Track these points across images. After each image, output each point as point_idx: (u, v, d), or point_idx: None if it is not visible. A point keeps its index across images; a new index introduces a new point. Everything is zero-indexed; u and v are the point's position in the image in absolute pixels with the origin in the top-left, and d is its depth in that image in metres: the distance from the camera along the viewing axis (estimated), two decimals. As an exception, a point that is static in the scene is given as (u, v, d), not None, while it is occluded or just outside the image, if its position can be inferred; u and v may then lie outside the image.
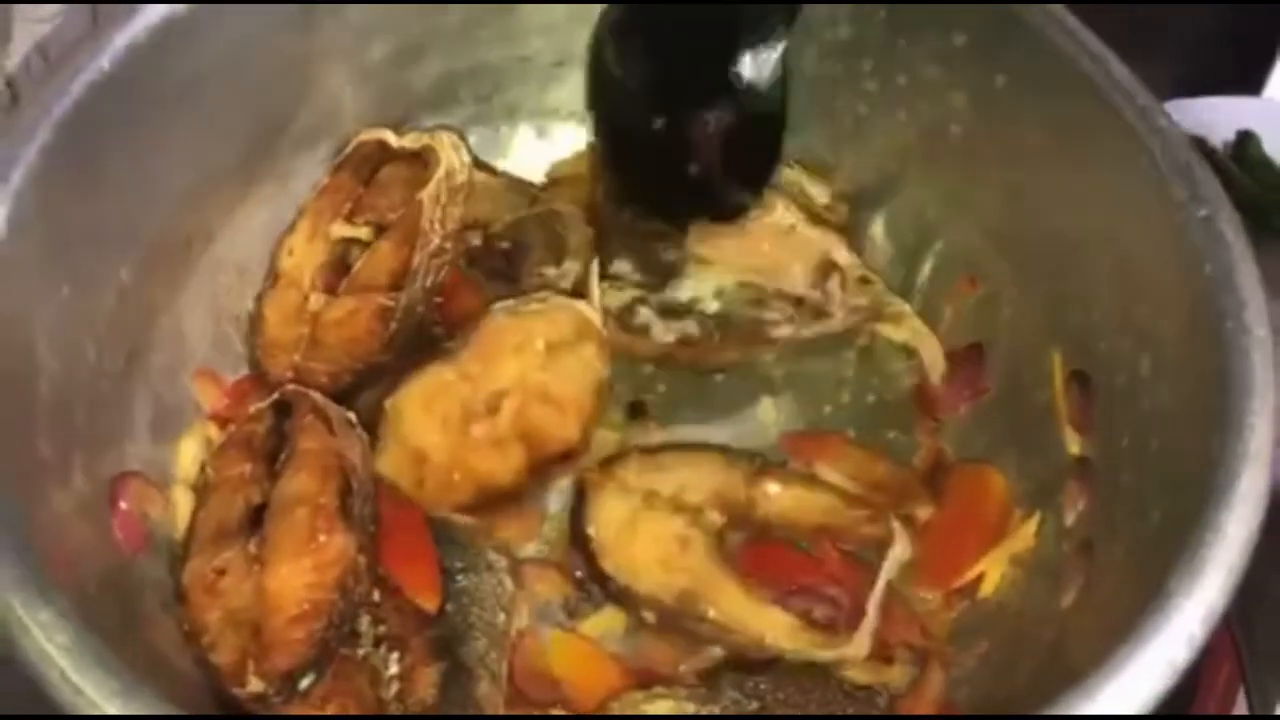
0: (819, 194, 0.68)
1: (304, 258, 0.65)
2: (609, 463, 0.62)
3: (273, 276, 0.65)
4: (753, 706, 0.56)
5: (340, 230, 0.65)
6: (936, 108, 0.64)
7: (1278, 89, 0.90)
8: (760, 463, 0.62)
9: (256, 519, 0.56)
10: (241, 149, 0.63)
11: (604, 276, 0.65)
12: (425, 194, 0.62)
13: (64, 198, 0.53)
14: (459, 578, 0.57)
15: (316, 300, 0.64)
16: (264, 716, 0.52)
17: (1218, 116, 0.83)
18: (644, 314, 0.66)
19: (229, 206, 0.64)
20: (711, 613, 0.57)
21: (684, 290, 0.66)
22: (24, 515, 0.46)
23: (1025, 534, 0.59)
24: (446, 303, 0.65)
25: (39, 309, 0.52)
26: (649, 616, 0.58)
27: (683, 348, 0.66)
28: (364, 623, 0.55)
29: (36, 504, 0.48)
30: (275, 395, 0.60)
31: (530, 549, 0.62)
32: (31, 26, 0.76)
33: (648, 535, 0.59)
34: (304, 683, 0.52)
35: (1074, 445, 0.58)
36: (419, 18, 0.66)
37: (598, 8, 0.68)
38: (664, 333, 0.65)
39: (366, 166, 0.66)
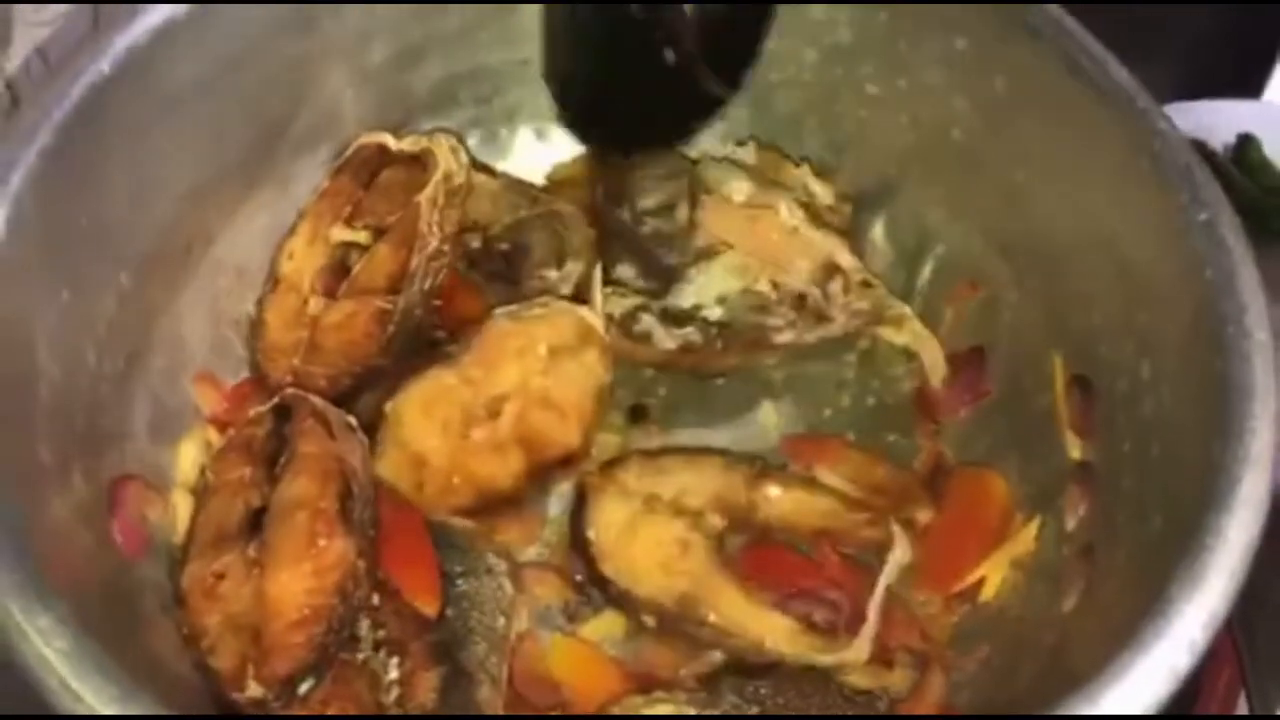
0: (823, 194, 0.67)
1: (304, 261, 0.65)
2: (609, 466, 0.61)
3: (273, 280, 0.65)
4: (753, 710, 0.56)
5: (339, 234, 0.65)
6: (937, 111, 0.64)
7: (1278, 92, 0.90)
8: (760, 466, 0.62)
9: (256, 523, 0.55)
10: (241, 152, 0.63)
11: (607, 282, 0.65)
12: (423, 197, 0.62)
13: (64, 201, 0.53)
14: (459, 582, 0.57)
15: (316, 304, 0.64)
16: (264, 718, 0.52)
17: (1218, 119, 0.82)
18: (646, 321, 0.66)
19: (229, 209, 0.64)
20: (711, 616, 0.57)
21: (686, 297, 0.66)
22: (23, 519, 0.46)
23: (1026, 537, 0.59)
24: (446, 306, 0.65)
25: (39, 312, 0.52)
26: (649, 620, 0.58)
27: (685, 354, 0.66)
28: (364, 627, 0.55)
29: (35, 508, 0.48)
30: (275, 399, 0.60)
31: (530, 553, 0.62)
32: (32, 29, 0.76)
33: (648, 539, 0.59)
34: (303, 687, 0.52)
35: (1075, 450, 0.58)
36: (419, 20, 0.66)
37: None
38: (666, 339, 0.65)
39: (366, 170, 0.66)
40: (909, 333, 0.67)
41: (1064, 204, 0.59)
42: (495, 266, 0.67)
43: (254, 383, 0.65)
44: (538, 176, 0.73)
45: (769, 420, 0.67)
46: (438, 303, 0.65)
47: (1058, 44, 0.58)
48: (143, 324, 0.59)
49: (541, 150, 0.73)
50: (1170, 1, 0.88)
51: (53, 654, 0.42)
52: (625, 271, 0.67)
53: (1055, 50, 0.58)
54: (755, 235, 0.66)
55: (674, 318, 0.66)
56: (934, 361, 0.67)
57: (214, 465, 0.59)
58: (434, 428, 0.60)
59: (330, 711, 0.53)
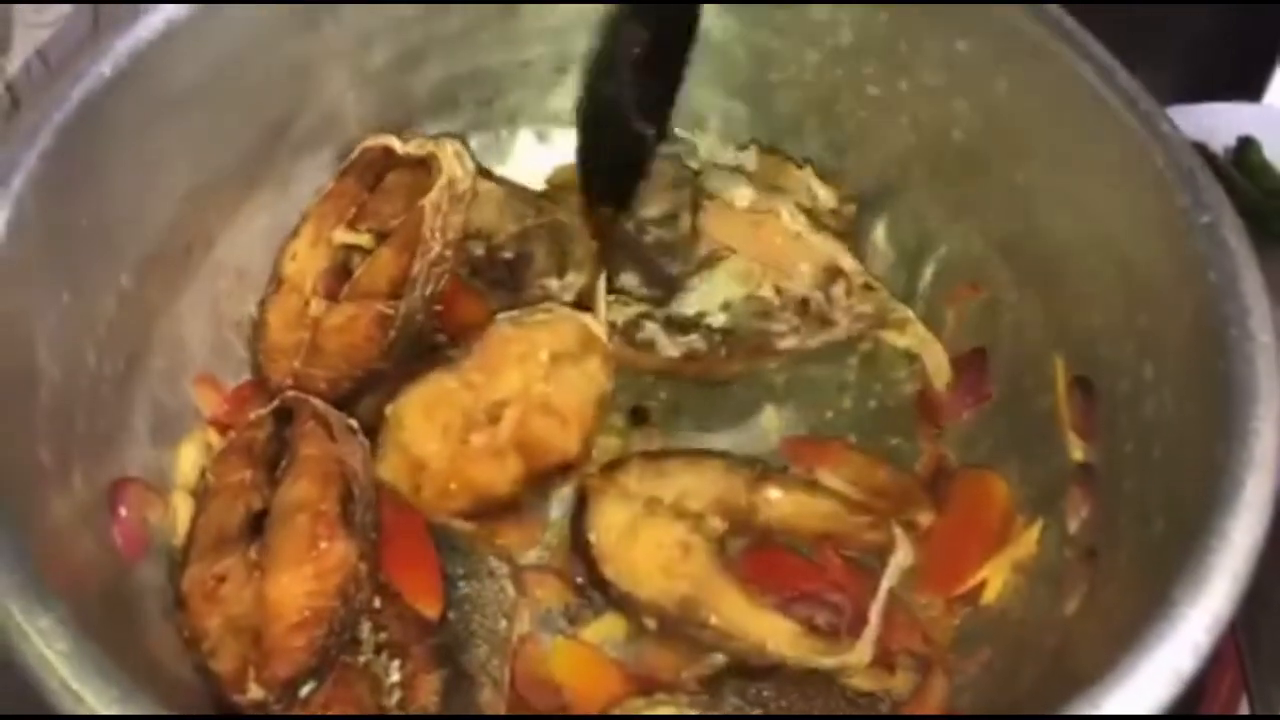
0: (826, 196, 0.67)
1: (306, 263, 0.65)
2: (610, 469, 0.61)
3: (276, 281, 0.65)
4: (755, 712, 0.56)
5: (343, 236, 0.65)
6: (938, 113, 0.64)
7: (1278, 95, 0.90)
8: (761, 469, 0.62)
9: (257, 525, 0.55)
10: (242, 154, 0.63)
11: (610, 291, 0.65)
12: (426, 202, 0.62)
13: (64, 203, 0.53)
14: (460, 584, 0.57)
15: (317, 306, 0.64)
16: (264, 718, 0.52)
17: (1218, 122, 0.82)
18: (650, 328, 0.65)
19: (229, 211, 0.64)
20: (713, 619, 0.57)
21: (690, 304, 0.66)
22: (23, 521, 0.46)
23: (1028, 540, 0.59)
24: (448, 311, 0.65)
25: (39, 313, 0.52)
26: (650, 623, 0.58)
27: (689, 362, 0.65)
28: (365, 630, 0.55)
29: (36, 509, 0.48)
30: (276, 401, 0.59)
31: (531, 555, 0.62)
32: (32, 31, 0.75)
33: (649, 541, 0.59)
34: (304, 690, 0.52)
35: (1077, 451, 0.58)
36: (420, 22, 0.66)
37: (598, 12, 0.68)
38: (670, 347, 0.65)
39: (371, 172, 0.66)
40: (912, 336, 0.67)
41: (1066, 206, 0.59)
42: (498, 274, 0.67)
43: (255, 385, 0.64)
44: (538, 179, 0.73)
45: (770, 423, 0.67)
46: (439, 308, 0.65)
47: (1059, 46, 0.58)
48: (143, 325, 0.59)
49: (542, 152, 0.73)
50: (1171, 2, 0.88)
51: (53, 655, 0.42)
52: (629, 280, 0.67)
53: (1057, 52, 0.58)
54: (758, 241, 0.66)
55: (678, 325, 0.65)
56: (937, 365, 0.67)
57: (215, 467, 0.59)
58: (434, 431, 0.60)
59: (331, 713, 0.53)
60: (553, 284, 0.66)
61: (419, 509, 0.59)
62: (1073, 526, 0.57)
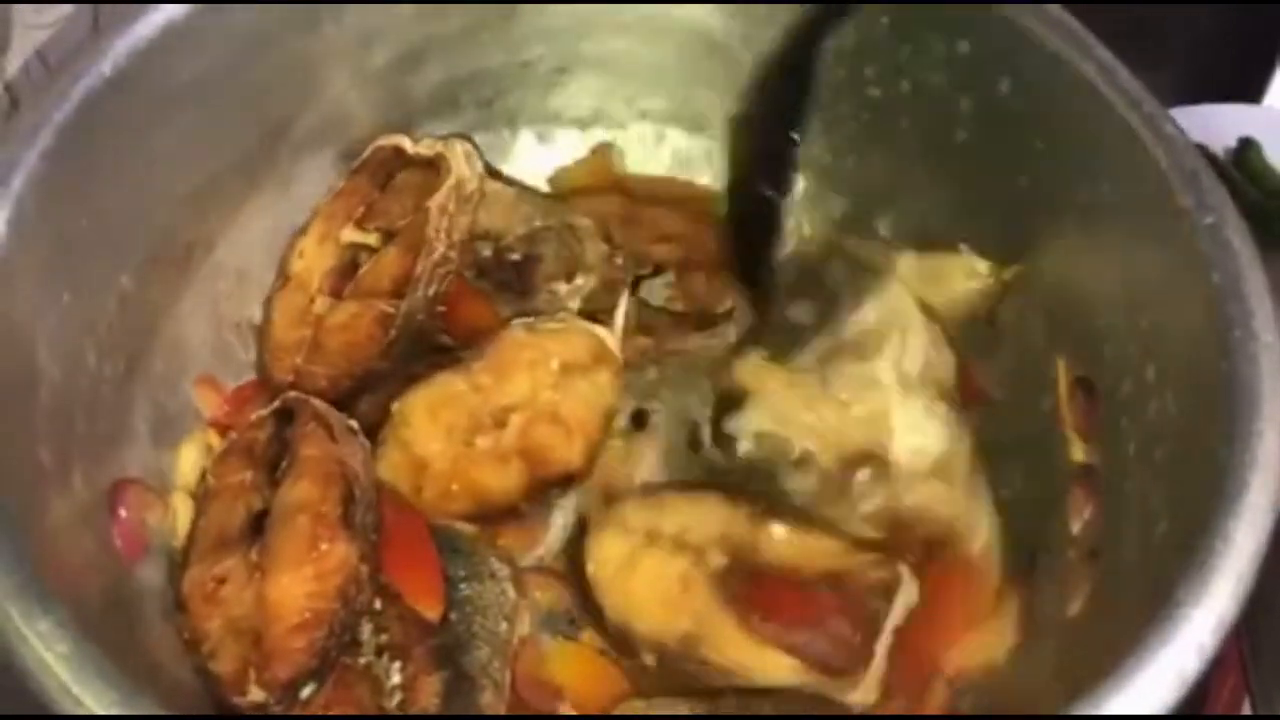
0: (984, 271, 0.64)
1: (313, 260, 0.65)
2: (609, 501, 0.61)
3: (282, 278, 0.65)
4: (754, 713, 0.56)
5: (350, 235, 0.65)
6: (941, 114, 0.64)
7: (1278, 98, 0.90)
8: (764, 505, 0.60)
9: (257, 527, 0.55)
10: (242, 155, 0.63)
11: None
12: (433, 203, 0.62)
13: (65, 203, 0.53)
14: (462, 586, 0.57)
15: (321, 303, 0.64)
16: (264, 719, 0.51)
17: (1219, 124, 0.82)
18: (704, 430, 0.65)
19: (230, 212, 0.64)
20: (713, 656, 0.57)
21: (737, 420, 0.64)
22: (23, 523, 0.46)
23: (1000, 639, 0.58)
24: (453, 313, 0.65)
25: (39, 314, 0.52)
26: (649, 659, 0.57)
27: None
28: (366, 631, 0.55)
29: (35, 511, 0.48)
30: (277, 402, 0.59)
31: (532, 557, 0.62)
32: (32, 32, 0.75)
33: (648, 573, 0.58)
34: (305, 692, 0.52)
35: (1079, 452, 0.58)
36: (420, 23, 0.66)
37: (599, 13, 0.68)
38: (711, 452, 0.64)
39: (382, 171, 0.66)
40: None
41: (1068, 207, 0.59)
42: (505, 276, 0.67)
43: (255, 386, 0.64)
44: (540, 180, 0.73)
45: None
46: (442, 309, 0.65)
47: (1061, 47, 0.58)
48: (144, 327, 0.59)
49: (543, 153, 0.73)
50: (1171, 2, 0.88)
51: (53, 658, 0.42)
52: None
53: (1059, 53, 0.58)
54: (806, 405, 0.63)
55: (719, 436, 0.64)
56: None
57: (215, 469, 0.59)
58: (438, 432, 0.60)
59: (332, 715, 0.53)
60: (561, 287, 0.66)
61: (419, 509, 0.59)
62: (1075, 528, 0.57)
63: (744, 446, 0.63)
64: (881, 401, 0.61)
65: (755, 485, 0.62)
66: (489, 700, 0.55)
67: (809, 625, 0.58)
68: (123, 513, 0.55)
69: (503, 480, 0.60)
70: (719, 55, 0.69)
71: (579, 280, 0.66)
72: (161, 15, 0.56)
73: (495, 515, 0.61)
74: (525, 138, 0.73)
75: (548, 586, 0.61)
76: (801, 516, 0.61)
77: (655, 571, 0.58)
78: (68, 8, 0.76)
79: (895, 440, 0.60)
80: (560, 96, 0.72)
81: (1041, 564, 0.58)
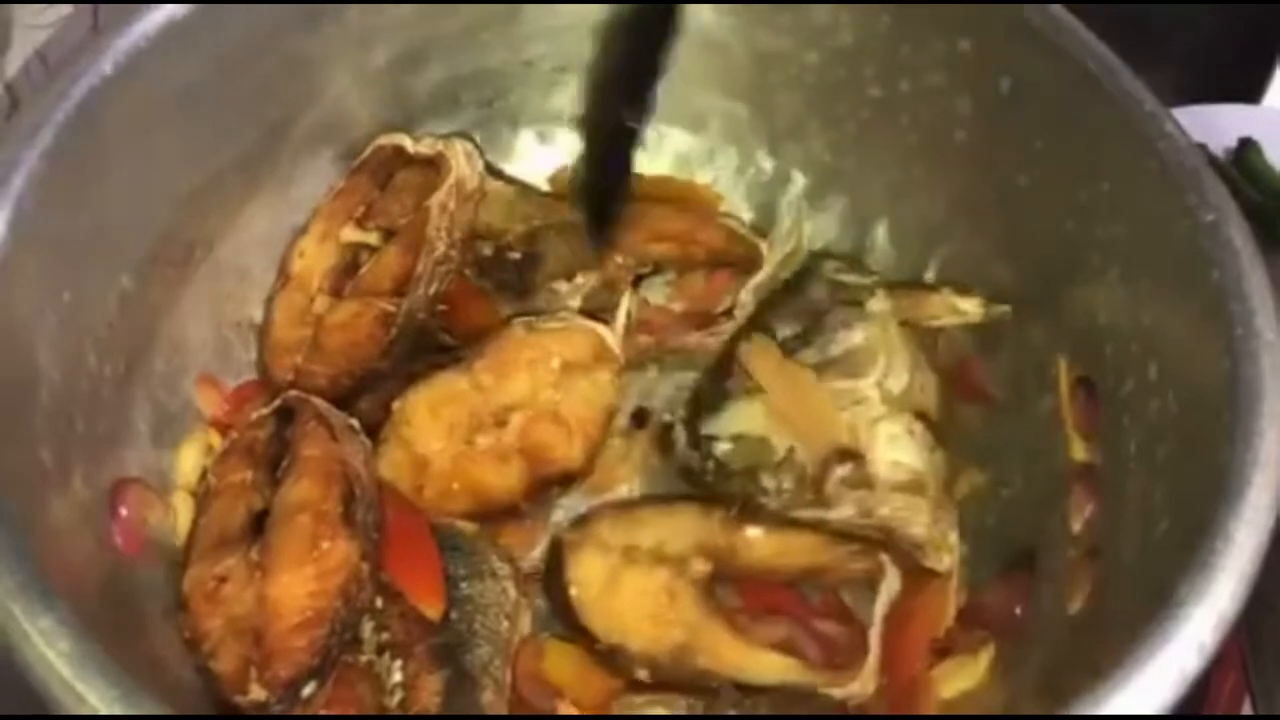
0: (971, 308, 0.64)
1: (314, 260, 0.65)
2: (583, 522, 0.60)
3: (283, 277, 0.65)
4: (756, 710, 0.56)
5: (350, 234, 0.65)
6: (941, 113, 0.64)
7: (1277, 98, 0.90)
8: (738, 508, 0.60)
9: (258, 526, 0.55)
10: (242, 155, 0.63)
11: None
12: (433, 202, 0.62)
13: (65, 203, 0.53)
14: (462, 585, 0.57)
15: (321, 302, 0.64)
16: (266, 718, 0.51)
17: (1219, 124, 0.82)
18: (678, 431, 0.64)
19: (230, 212, 0.63)
20: (709, 664, 0.57)
21: (715, 423, 0.63)
22: (24, 522, 0.46)
23: (975, 670, 0.57)
24: (454, 312, 0.65)
25: (40, 314, 0.52)
26: (643, 675, 0.57)
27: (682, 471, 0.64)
28: (367, 630, 0.55)
29: (36, 510, 0.48)
30: (277, 401, 0.59)
31: (532, 557, 0.62)
32: (32, 32, 0.75)
33: (633, 590, 0.58)
34: (306, 691, 0.52)
35: (1080, 451, 0.58)
36: (421, 22, 0.66)
37: (600, 12, 0.68)
38: (686, 454, 0.63)
39: (383, 171, 0.66)
40: (934, 559, 0.61)
41: (1069, 206, 0.59)
42: (506, 275, 0.67)
43: (256, 385, 0.64)
44: (540, 179, 0.73)
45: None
46: (442, 308, 0.65)
47: (1062, 46, 0.58)
48: (144, 326, 0.59)
49: (544, 153, 0.73)
50: (1171, 2, 0.88)
51: (54, 655, 0.42)
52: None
53: (1059, 52, 0.58)
54: (786, 391, 0.62)
55: (695, 438, 0.63)
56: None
57: (215, 468, 0.59)
58: (440, 430, 0.60)
59: (333, 713, 0.53)
60: (561, 286, 0.66)
61: (420, 508, 0.59)
62: (1076, 526, 0.57)
63: (721, 448, 0.62)
64: (866, 414, 0.61)
65: (734, 486, 0.62)
66: (490, 699, 0.55)
67: (798, 623, 0.58)
68: (123, 512, 0.55)
69: (503, 479, 0.60)
70: (719, 55, 0.69)
71: (579, 279, 0.66)
72: (161, 15, 0.56)
73: (496, 514, 0.61)
74: (526, 137, 0.73)
75: (548, 586, 0.61)
76: (777, 517, 0.60)
77: (639, 587, 0.58)
78: (68, 8, 0.76)
79: (875, 451, 0.60)
80: (561, 96, 0.72)
81: (1042, 562, 0.58)
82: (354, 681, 0.54)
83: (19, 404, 0.50)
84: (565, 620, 0.58)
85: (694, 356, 0.68)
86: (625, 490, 0.65)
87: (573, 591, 0.58)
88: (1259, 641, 0.61)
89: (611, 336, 0.62)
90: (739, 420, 0.62)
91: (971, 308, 0.64)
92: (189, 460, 0.60)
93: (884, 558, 0.60)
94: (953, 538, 0.61)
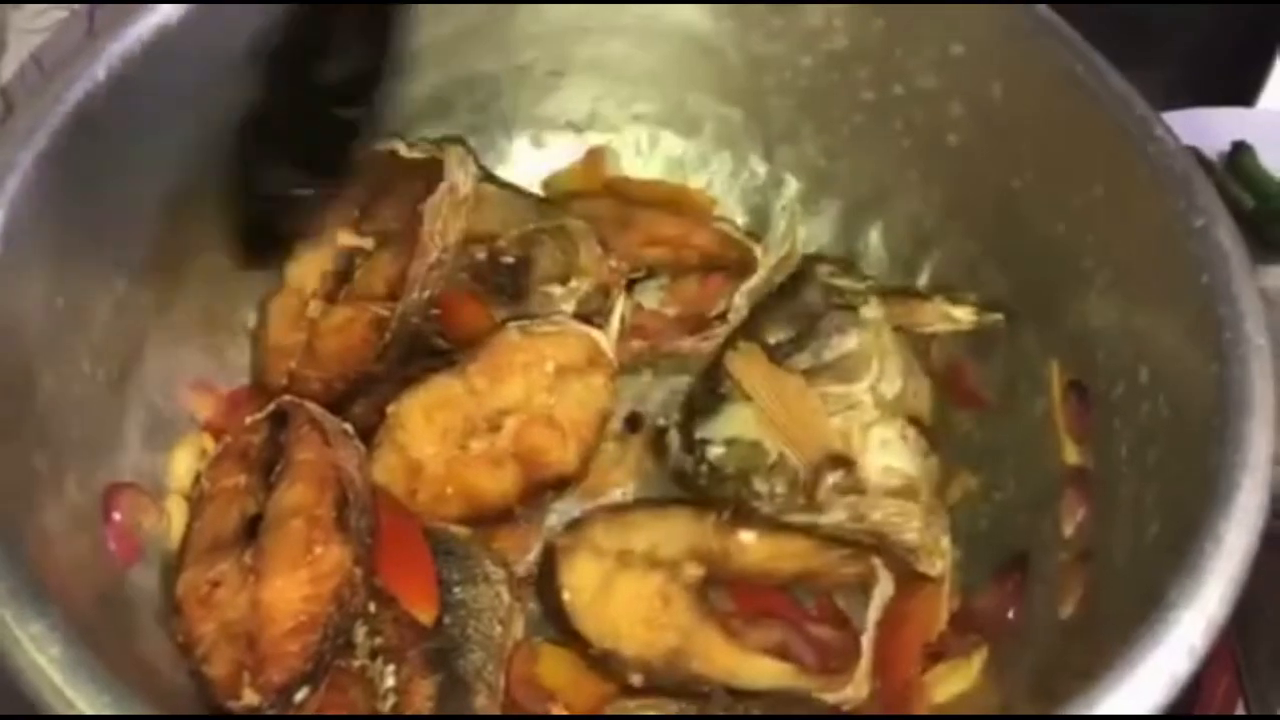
0: (964, 316, 0.64)
1: (309, 265, 0.65)
2: (576, 526, 0.60)
3: (279, 281, 0.65)
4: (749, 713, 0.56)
5: (345, 239, 0.65)
6: (933, 117, 0.64)
7: (1272, 100, 0.90)
8: (730, 512, 0.60)
9: (252, 531, 0.55)
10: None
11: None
12: (426, 206, 0.62)
13: (59, 207, 0.53)
14: (456, 590, 0.57)
15: (315, 307, 0.64)
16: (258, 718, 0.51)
17: (1212, 127, 0.83)
18: (672, 435, 0.64)
19: (224, 216, 0.63)
20: (703, 669, 0.57)
21: (708, 427, 0.63)
22: (17, 526, 0.46)
23: (969, 672, 0.58)
24: (449, 317, 0.65)
25: (33, 319, 0.52)
26: (636, 679, 0.57)
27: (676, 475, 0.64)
28: (360, 634, 0.55)
29: (29, 514, 0.48)
30: (271, 406, 0.59)
31: (526, 561, 0.62)
32: (27, 36, 0.75)
33: (626, 594, 0.58)
34: (299, 695, 0.52)
35: (1072, 455, 0.58)
36: (415, 28, 0.66)
37: (593, 16, 0.68)
38: (680, 458, 0.63)
39: (378, 177, 0.66)
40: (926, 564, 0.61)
41: (1061, 210, 0.59)
42: (500, 279, 0.67)
43: (250, 390, 0.65)
44: (534, 184, 0.73)
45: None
46: (436, 312, 0.65)
47: (1054, 50, 0.58)
48: (138, 331, 0.59)
49: (538, 158, 0.73)
50: (1166, 2, 0.88)
51: (45, 660, 0.42)
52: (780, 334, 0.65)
53: (1052, 56, 0.58)
54: (775, 397, 0.62)
55: (689, 442, 0.63)
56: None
57: (209, 472, 0.59)
58: (433, 434, 0.60)
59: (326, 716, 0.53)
60: (555, 290, 0.66)
61: (414, 512, 0.59)
62: (1068, 530, 0.57)
63: (714, 451, 0.62)
64: (859, 419, 0.61)
65: (727, 490, 0.61)
66: (483, 704, 0.55)
67: (792, 627, 0.58)
68: (117, 516, 0.55)
69: (497, 483, 0.60)
70: (712, 59, 0.69)
71: (573, 283, 0.66)
72: (156, 19, 0.56)
73: (489, 518, 0.61)
74: (520, 142, 0.73)
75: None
76: (770, 521, 0.60)
77: (633, 591, 0.58)
78: (63, 11, 0.76)
79: (868, 456, 0.60)
80: (555, 100, 0.72)
81: (1034, 566, 0.58)
82: (347, 686, 0.54)
83: (12, 408, 0.50)
84: (558, 625, 0.58)
85: (688, 361, 0.68)
86: (619, 494, 0.65)
87: (565, 596, 0.58)
88: (1252, 644, 0.61)
89: (605, 340, 0.62)
90: (732, 424, 0.62)
91: (965, 315, 0.65)
92: (183, 465, 0.60)
93: (876, 562, 0.60)
94: (945, 542, 0.61)
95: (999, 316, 0.64)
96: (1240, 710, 0.61)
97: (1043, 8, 0.59)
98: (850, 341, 0.63)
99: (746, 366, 0.63)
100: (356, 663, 0.54)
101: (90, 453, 0.55)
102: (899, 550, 0.60)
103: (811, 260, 0.69)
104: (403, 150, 0.66)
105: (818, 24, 0.66)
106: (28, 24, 0.76)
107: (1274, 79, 0.90)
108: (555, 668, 0.58)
